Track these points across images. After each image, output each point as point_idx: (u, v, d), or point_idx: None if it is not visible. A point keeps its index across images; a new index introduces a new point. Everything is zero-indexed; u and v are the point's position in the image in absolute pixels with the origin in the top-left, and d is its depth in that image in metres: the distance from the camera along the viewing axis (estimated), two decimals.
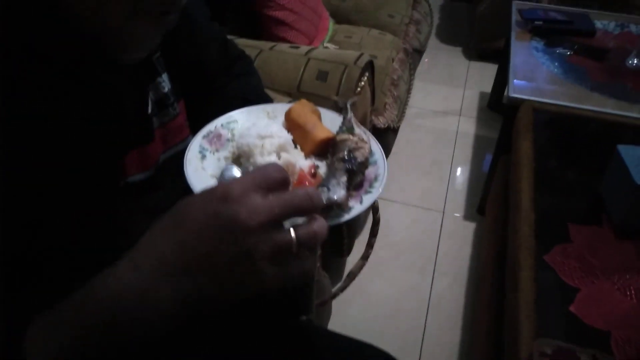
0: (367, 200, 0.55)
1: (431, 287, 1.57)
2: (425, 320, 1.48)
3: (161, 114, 0.63)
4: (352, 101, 0.70)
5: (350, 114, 0.68)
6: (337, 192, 0.52)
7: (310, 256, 0.40)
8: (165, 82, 0.63)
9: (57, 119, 0.47)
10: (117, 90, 0.54)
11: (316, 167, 0.59)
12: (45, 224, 0.46)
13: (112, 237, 0.53)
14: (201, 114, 0.75)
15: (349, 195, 0.53)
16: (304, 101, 0.66)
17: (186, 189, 0.59)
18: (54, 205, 0.47)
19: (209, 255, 0.37)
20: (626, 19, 1.84)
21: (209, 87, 0.78)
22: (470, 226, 1.78)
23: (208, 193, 0.39)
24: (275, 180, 0.40)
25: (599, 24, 1.79)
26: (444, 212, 1.84)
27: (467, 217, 1.82)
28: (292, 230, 0.38)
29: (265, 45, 1.33)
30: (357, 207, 0.54)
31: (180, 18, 0.66)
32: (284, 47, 1.33)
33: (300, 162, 0.58)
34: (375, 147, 0.62)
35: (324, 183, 0.53)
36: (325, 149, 0.64)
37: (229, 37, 0.85)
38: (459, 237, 1.74)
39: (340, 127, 0.65)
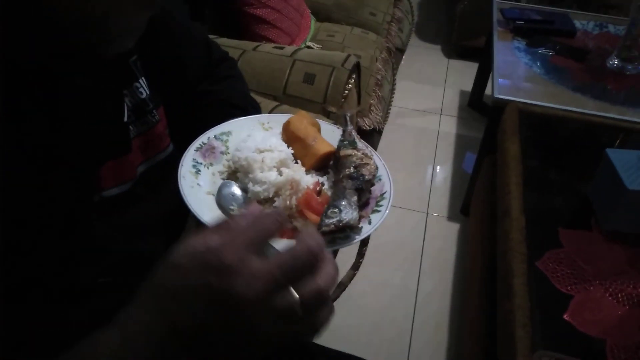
0: (376, 219, 0.53)
1: (417, 290, 1.56)
2: (412, 323, 1.47)
3: (139, 121, 0.59)
4: (352, 113, 0.68)
5: (350, 127, 0.65)
6: (350, 214, 0.49)
7: (322, 310, 0.37)
8: (143, 87, 0.58)
9: (20, 127, 0.42)
10: (89, 95, 0.49)
11: (321, 185, 0.56)
12: (11, 245, 0.42)
13: (87, 258, 0.49)
14: (184, 121, 0.71)
15: (361, 216, 0.50)
16: (302, 112, 0.63)
17: (168, 202, 0.55)
18: (20, 225, 0.43)
19: (204, 327, 0.34)
20: (604, 19, 1.86)
21: (191, 91, 0.74)
22: (454, 227, 1.79)
23: (199, 259, 0.35)
24: (272, 232, 0.37)
25: (578, 24, 1.81)
26: (427, 213, 1.84)
27: (451, 217, 1.82)
28: (296, 296, 0.34)
29: (248, 45, 1.28)
30: (366, 228, 0.51)
31: (157, 17, 0.62)
32: (268, 47, 1.29)
33: (305, 178, 0.55)
34: (379, 162, 0.60)
35: (334, 203, 0.50)
36: (326, 163, 0.61)
37: (209, 36, 0.81)
38: (443, 238, 1.74)
39: (341, 141, 0.62)
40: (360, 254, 0.87)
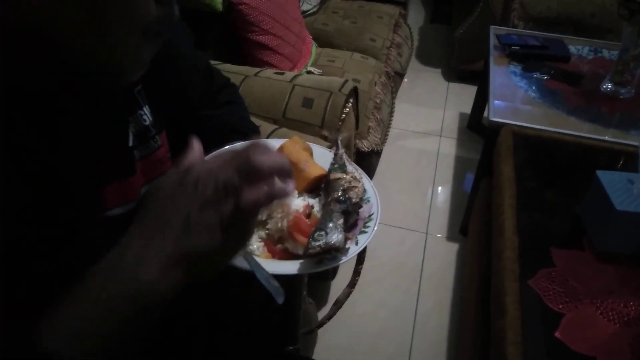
0: (363, 240, 0.56)
1: (416, 309, 1.58)
2: (411, 343, 1.48)
3: (142, 146, 0.62)
4: (343, 137, 0.71)
5: (341, 150, 0.69)
6: (335, 236, 0.52)
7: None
8: (146, 115, 0.62)
9: (21, 150, 0.46)
10: (97, 122, 0.53)
11: (311, 208, 0.59)
12: (17, 260, 0.45)
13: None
14: (186, 145, 0.74)
15: (346, 238, 0.53)
16: (295, 138, 0.67)
17: None
18: (19, 244, 0.45)
19: (187, 220, 0.42)
20: (599, 44, 1.90)
21: (193, 117, 0.78)
22: (454, 247, 1.80)
23: (172, 170, 0.46)
24: (245, 158, 0.43)
25: (573, 49, 1.85)
26: (427, 233, 1.86)
27: (450, 237, 1.84)
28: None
29: (249, 71, 1.33)
30: (353, 249, 0.54)
31: (161, 48, 0.66)
32: (268, 73, 1.34)
33: (295, 202, 0.58)
34: (368, 185, 0.63)
35: (321, 226, 0.53)
36: (317, 185, 0.64)
37: (212, 62, 0.85)
38: (442, 258, 1.76)
39: (332, 164, 0.65)
40: (357, 272, 0.89)
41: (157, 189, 0.45)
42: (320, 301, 1.49)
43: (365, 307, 1.56)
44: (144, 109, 0.62)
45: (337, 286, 1.48)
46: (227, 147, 0.64)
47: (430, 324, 1.54)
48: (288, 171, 0.44)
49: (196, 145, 0.48)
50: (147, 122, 0.62)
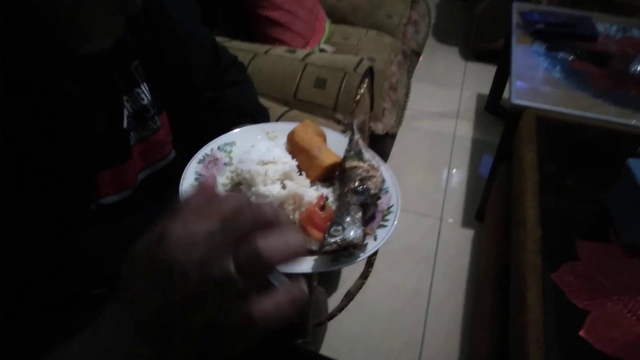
0: (382, 235, 0.51)
1: (429, 297, 1.54)
2: (423, 331, 1.44)
3: (140, 127, 0.58)
4: (359, 121, 0.66)
5: (357, 135, 0.63)
6: (354, 232, 0.47)
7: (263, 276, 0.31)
8: (144, 93, 0.58)
9: (10, 135, 0.41)
10: (85, 100, 0.48)
11: (325, 199, 0.54)
12: (7, 252, 0.41)
13: (81, 268, 0.48)
14: (190, 129, 0.70)
15: (365, 234, 0.48)
16: (307, 122, 0.61)
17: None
18: (11, 233, 0.42)
19: (157, 311, 0.31)
20: (628, 22, 1.81)
21: (198, 98, 0.72)
22: (469, 233, 1.75)
23: (146, 236, 0.32)
24: (227, 204, 0.32)
25: (600, 28, 1.76)
26: (441, 219, 1.81)
27: (465, 223, 1.79)
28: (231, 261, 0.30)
29: (259, 48, 1.27)
30: (371, 244, 0.49)
31: (162, 21, 0.60)
32: (279, 51, 1.27)
33: (308, 192, 0.53)
34: (386, 174, 0.58)
35: (338, 220, 0.48)
36: (331, 174, 0.59)
37: (220, 39, 0.79)
38: (457, 245, 1.71)
39: (347, 151, 0.60)
40: (370, 263, 0.85)
41: (130, 257, 0.33)
42: (331, 288, 1.45)
43: (377, 294, 1.52)
44: (142, 86, 0.57)
45: (348, 272, 1.44)
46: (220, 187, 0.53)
47: (444, 312, 1.50)
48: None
49: (200, 189, 0.35)
50: (146, 102, 0.57)
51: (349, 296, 0.83)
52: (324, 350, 1.28)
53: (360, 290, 0.80)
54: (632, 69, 1.51)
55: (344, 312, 1.44)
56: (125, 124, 0.54)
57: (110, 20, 0.45)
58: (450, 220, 1.81)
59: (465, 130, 2.24)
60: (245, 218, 0.30)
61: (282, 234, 0.31)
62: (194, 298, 0.30)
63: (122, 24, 0.47)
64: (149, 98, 0.58)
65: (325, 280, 1.42)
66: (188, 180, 0.55)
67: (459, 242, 1.72)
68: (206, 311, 0.30)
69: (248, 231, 0.30)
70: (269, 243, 0.30)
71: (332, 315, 0.90)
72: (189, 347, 0.32)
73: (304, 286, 0.32)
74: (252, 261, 0.29)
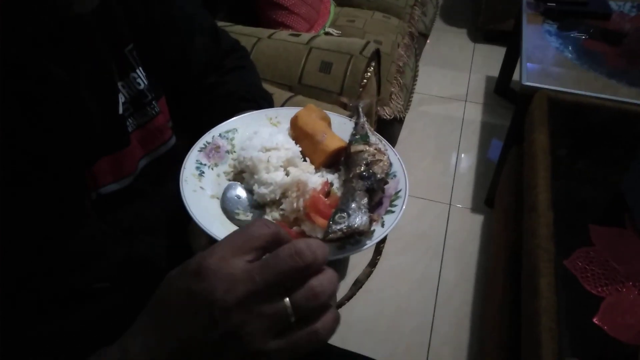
0: (389, 221, 0.48)
1: (438, 284, 1.52)
2: (433, 318, 1.43)
3: (138, 114, 0.56)
4: (365, 104, 0.63)
5: (363, 119, 0.61)
6: (359, 219, 0.45)
7: (322, 315, 0.34)
8: (141, 78, 0.55)
9: (4, 123, 0.40)
10: (77, 87, 0.46)
11: (330, 185, 0.52)
12: (4, 246, 0.40)
13: (82, 261, 0.46)
14: (191, 115, 0.68)
15: (372, 220, 0.46)
16: (311, 106, 0.59)
17: (170, 198, 0.52)
18: (8, 227, 0.40)
19: (192, 340, 0.32)
20: None
21: (198, 84, 0.70)
22: (478, 219, 1.73)
23: (183, 268, 0.34)
24: (260, 239, 0.34)
25: (614, 5, 1.71)
26: (450, 204, 1.78)
27: (475, 209, 1.76)
28: (286, 299, 0.33)
29: (263, 32, 1.24)
30: (378, 231, 0.47)
31: (157, 4, 0.58)
32: (283, 35, 1.24)
33: (312, 179, 0.51)
34: (394, 157, 0.56)
35: (342, 207, 0.46)
36: (337, 159, 0.57)
37: (223, 24, 0.77)
38: (466, 231, 1.69)
39: (353, 135, 0.58)
40: (378, 251, 0.83)
41: (167, 284, 0.35)
42: (339, 275, 1.44)
43: (385, 280, 1.51)
44: (138, 71, 0.55)
45: (357, 259, 1.43)
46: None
47: (453, 298, 1.48)
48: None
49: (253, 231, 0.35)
50: (142, 87, 0.55)
51: (358, 284, 0.81)
52: (332, 338, 1.27)
53: (370, 277, 0.79)
54: None
55: (354, 297, 1.43)
56: (120, 110, 0.52)
57: None
58: (459, 205, 1.78)
59: (474, 113, 2.20)
60: (285, 263, 0.33)
61: (324, 273, 0.34)
62: (232, 334, 0.31)
63: None
64: (146, 83, 0.56)
65: (333, 267, 1.41)
66: (189, 170, 0.53)
67: (468, 227, 1.70)
68: (245, 346, 0.32)
69: (290, 275, 0.33)
70: (319, 282, 0.33)
71: (340, 304, 0.88)
72: None
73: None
74: (307, 297, 0.33)
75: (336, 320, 0.35)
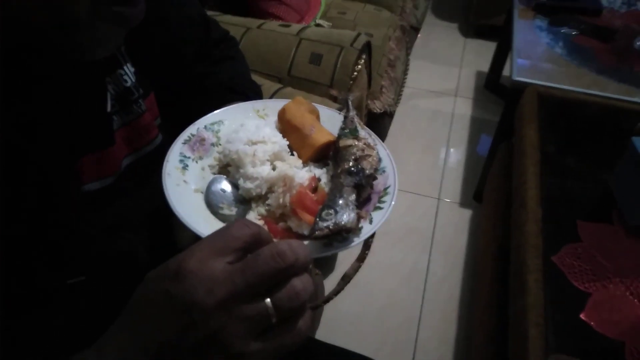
0: (378, 218, 0.48)
1: (426, 278, 1.52)
2: (420, 312, 1.43)
3: (124, 112, 0.54)
4: (354, 97, 0.62)
5: (352, 112, 0.60)
6: (346, 215, 0.44)
7: (302, 315, 0.34)
8: (127, 75, 0.54)
9: None
10: (63, 82, 0.45)
11: (318, 180, 0.51)
12: None
13: (66, 259, 0.45)
14: (178, 108, 0.66)
15: (359, 217, 0.45)
16: (299, 99, 0.58)
17: (153, 197, 0.51)
18: None
19: (171, 344, 0.31)
20: None
21: (186, 75, 0.68)
22: (466, 213, 1.73)
23: (162, 270, 0.33)
24: (241, 240, 0.33)
25: (605, 2, 1.71)
26: (439, 199, 1.78)
27: (463, 203, 1.77)
28: (267, 299, 0.32)
29: (252, 23, 1.22)
30: (367, 228, 0.46)
31: None
32: (273, 25, 1.22)
33: (299, 174, 0.50)
34: (383, 152, 0.55)
35: (330, 203, 0.45)
36: (325, 153, 0.56)
37: (212, 13, 0.75)
38: (455, 225, 1.69)
39: (342, 129, 0.57)
40: (367, 246, 0.83)
41: (145, 286, 0.34)
42: (327, 270, 1.43)
43: (373, 274, 1.50)
44: (125, 67, 0.53)
45: (345, 254, 1.42)
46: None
47: (441, 293, 1.48)
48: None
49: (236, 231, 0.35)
50: (129, 84, 0.53)
51: (346, 279, 0.80)
52: (319, 333, 1.27)
53: (358, 272, 0.78)
54: (637, 45, 1.46)
55: (340, 294, 1.43)
56: (108, 107, 0.50)
57: (114, 36, 0.44)
58: (448, 200, 1.78)
59: (464, 108, 2.20)
60: (265, 263, 0.32)
61: (302, 275, 0.34)
62: (212, 337, 0.31)
63: (122, 36, 0.46)
64: (133, 80, 0.54)
65: (321, 262, 1.40)
66: (172, 163, 0.51)
67: (456, 222, 1.70)
68: (226, 348, 0.31)
69: (271, 276, 0.32)
70: (302, 281, 0.33)
71: (328, 299, 0.87)
72: None
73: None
74: (292, 301, 0.32)
75: (312, 320, 0.35)
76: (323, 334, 1.28)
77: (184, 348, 0.31)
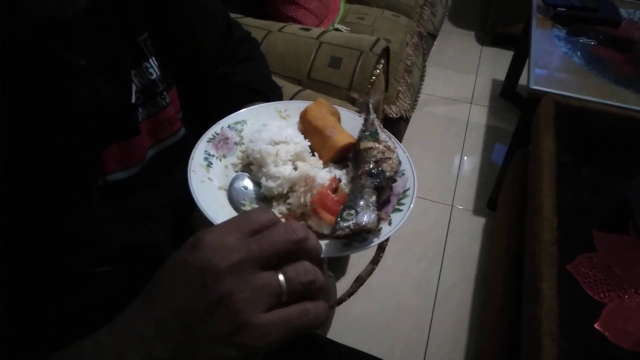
0: (397, 220, 0.48)
1: (438, 284, 1.52)
2: (431, 318, 1.43)
3: (149, 104, 0.56)
4: (375, 100, 0.63)
5: (372, 115, 0.61)
6: (367, 216, 0.45)
7: (314, 299, 0.34)
8: (153, 68, 0.55)
9: (13, 110, 0.39)
10: (91, 73, 0.46)
11: (338, 181, 0.52)
12: (5, 230, 0.39)
13: (85, 245, 0.46)
14: (200, 106, 0.67)
15: (380, 218, 0.46)
16: (321, 100, 0.59)
17: (177, 188, 0.52)
18: (15, 209, 0.40)
19: (182, 311, 0.32)
20: None
21: (209, 74, 0.70)
22: (480, 221, 1.72)
23: (181, 247, 0.34)
24: (258, 222, 0.34)
25: (624, 12, 1.70)
26: (452, 205, 1.78)
27: (477, 211, 1.76)
28: (280, 273, 0.33)
29: (273, 26, 1.24)
30: (386, 229, 0.47)
31: None
32: (294, 28, 1.24)
33: (320, 174, 0.51)
34: (403, 156, 0.55)
35: (351, 204, 0.46)
36: (345, 155, 0.57)
37: (233, 16, 0.77)
38: (467, 232, 1.68)
39: (362, 131, 0.58)
40: (381, 248, 0.83)
41: (165, 263, 0.35)
42: (339, 272, 1.44)
43: (386, 279, 1.51)
44: (150, 60, 0.54)
45: (357, 256, 1.43)
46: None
47: (452, 299, 1.48)
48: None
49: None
50: (154, 77, 0.55)
51: (359, 281, 0.81)
52: (330, 335, 1.27)
53: (371, 275, 0.78)
54: None
55: (352, 298, 1.43)
56: (133, 99, 0.52)
57: None
58: (461, 207, 1.78)
59: (479, 116, 2.19)
60: (279, 234, 0.34)
61: (319, 267, 0.35)
62: (221, 301, 0.31)
63: None
64: (158, 73, 0.55)
65: (334, 264, 1.41)
66: (197, 160, 0.53)
67: (469, 229, 1.70)
68: (234, 315, 0.31)
69: (284, 247, 0.33)
70: (315, 268, 0.34)
71: (341, 300, 0.88)
72: (211, 354, 0.32)
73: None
74: (299, 275, 0.33)
75: (327, 309, 0.35)
76: (334, 335, 1.29)
77: (192, 313, 0.31)
